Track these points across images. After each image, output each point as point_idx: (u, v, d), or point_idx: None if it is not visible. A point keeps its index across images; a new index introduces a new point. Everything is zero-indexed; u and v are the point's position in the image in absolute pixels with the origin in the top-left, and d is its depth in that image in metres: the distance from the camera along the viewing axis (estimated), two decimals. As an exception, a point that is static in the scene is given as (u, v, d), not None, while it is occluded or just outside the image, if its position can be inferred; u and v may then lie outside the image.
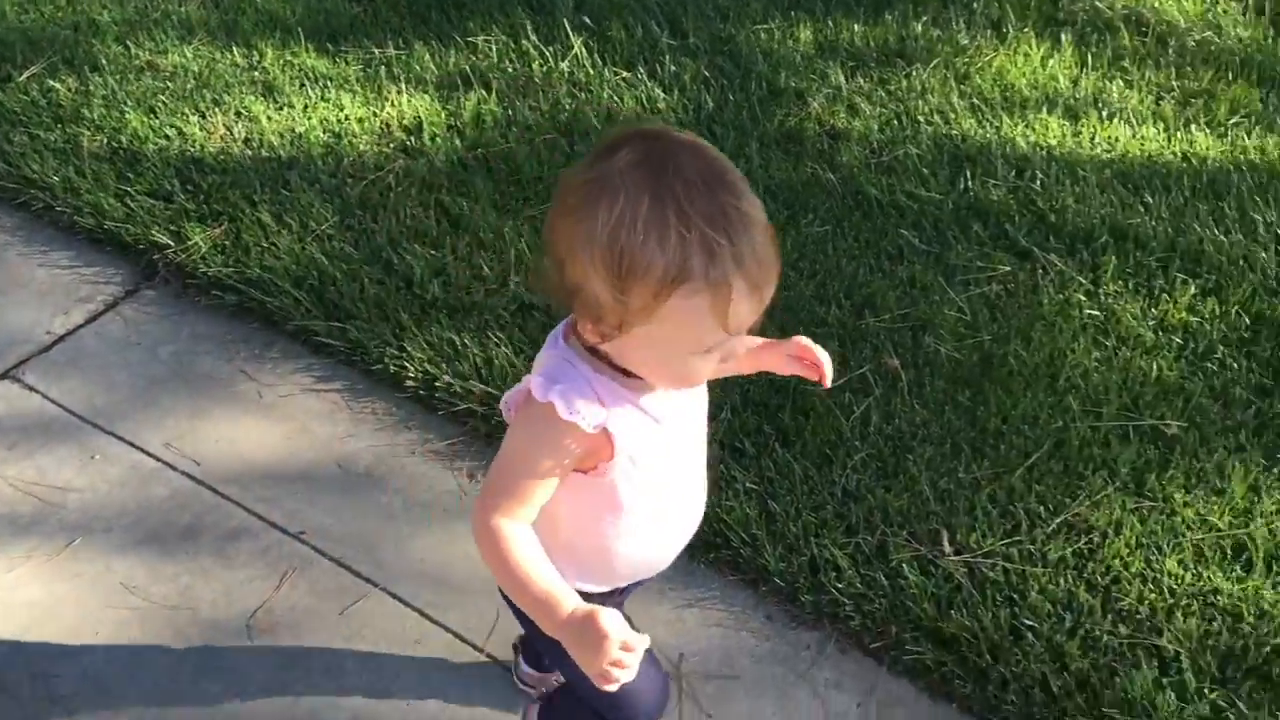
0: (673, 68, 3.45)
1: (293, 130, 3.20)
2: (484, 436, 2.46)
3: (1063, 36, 3.66)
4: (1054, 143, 3.23)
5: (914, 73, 3.48)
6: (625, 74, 3.44)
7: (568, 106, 3.31)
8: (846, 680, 2.07)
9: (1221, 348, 2.62)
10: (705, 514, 2.23)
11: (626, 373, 1.34)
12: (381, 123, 3.25)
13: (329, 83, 3.39)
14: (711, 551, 2.24)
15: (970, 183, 3.08)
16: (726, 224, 1.19)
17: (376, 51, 3.53)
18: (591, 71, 3.45)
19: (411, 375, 2.54)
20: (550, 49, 3.53)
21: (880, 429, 2.44)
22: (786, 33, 3.66)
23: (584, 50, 3.52)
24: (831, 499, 2.31)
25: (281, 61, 3.49)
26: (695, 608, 2.18)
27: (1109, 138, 3.26)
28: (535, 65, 3.47)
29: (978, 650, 2.04)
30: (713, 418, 2.43)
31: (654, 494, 1.45)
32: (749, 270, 1.21)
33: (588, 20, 3.64)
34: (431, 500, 2.34)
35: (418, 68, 3.46)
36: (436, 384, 2.51)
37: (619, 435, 1.33)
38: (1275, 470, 2.35)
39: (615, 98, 3.34)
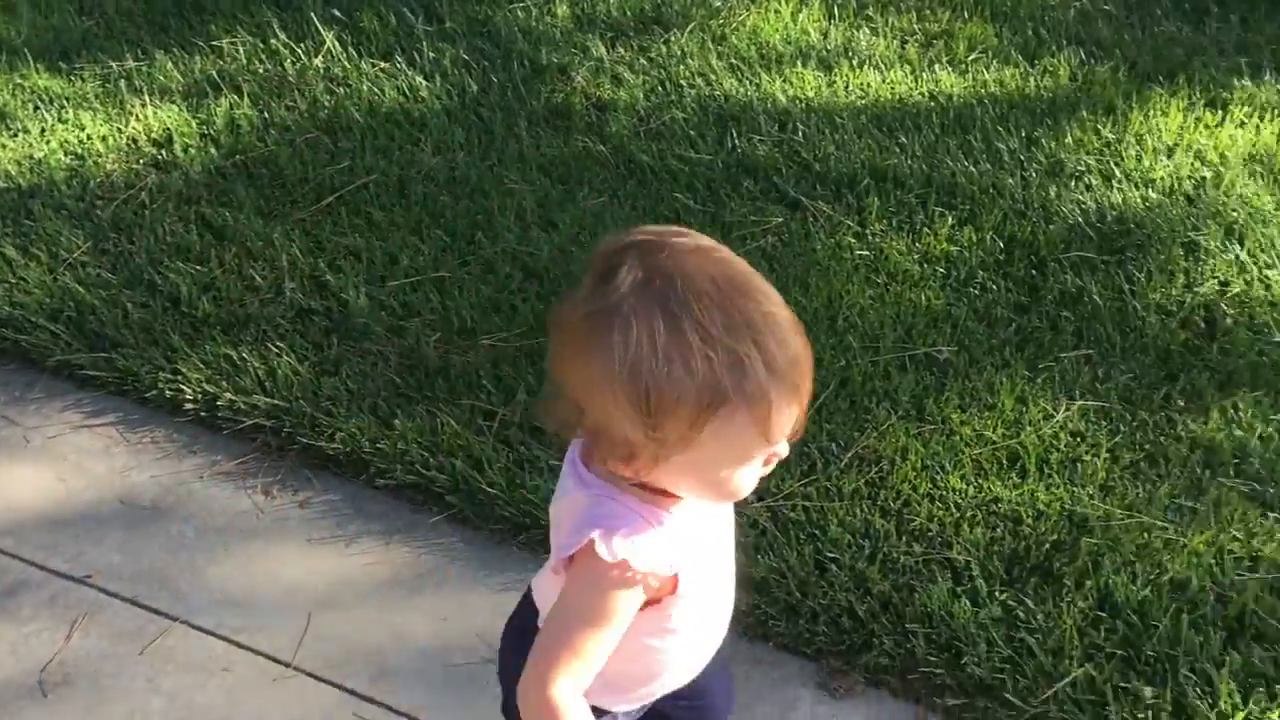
0: (431, 54, 3.41)
1: (30, 157, 3.01)
2: (275, 451, 2.38)
3: (809, -9, 3.79)
4: (811, 94, 3.34)
5: (672, 38, 3.54)
6: (383, 64, 3.37)
7: (327, 103, 3.22)
8: (667, 638, 2.10)
9: (981, 272, 2.78)
10: (513, 496, 2.27)
11: (663, 491, 1.23)
12: (128, 139, 3.09)
13: (65, 103, 3.20)
14: (522, 533, 2.24)
15: (737, 141, 3.15)
16: (752, 332, 1.09)
17: (114, 65, 3.35)
18: (348, 65, 3.36)
19: (190, 397, 2.43)
20: (301, 45, 3.42)
21: (674, 389, 2.48)
22: (544, 9, 3.66)
23: (337, 44, 3.43)
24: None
25: (10, 85, 3.26)
26: (513, 590, 2.16)
27: (861, 85, 3.39)
28: (287, 64, 3.36)
29: (787, 589, 2.11)
30: (506, 401, 2.44)
31: (700, 611, 1.35)
32: (784, 375, 1.11)
33: (337, 13, 3.55)
34: (226, 524, 2.26)
35: (161, 78, 3.30)
36: (218, 403, 2.41)
37: (684, 571, 1.24)
38: (1038, 381, 2.50)
39: (376, 90, 3.27)
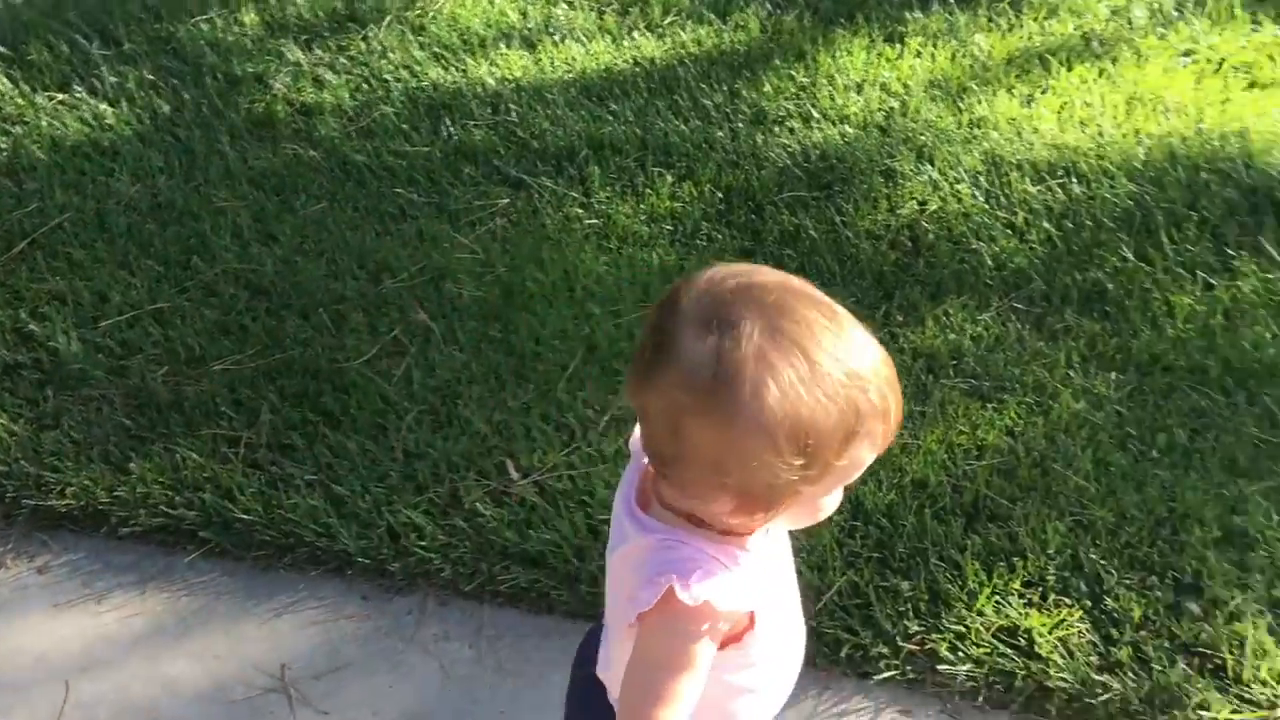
0: (113, 79, 3.22)
1: None
2: (1, 519, 2.21)
3: (502, -27, 3.80)
4: (519, 74, 3.36)
5: (370, 34, 3.48)
6: (61, 96, 3.16)
7: (3, 145, 2.99)
8: (453, 629, 2.09)
9: (705, 224, 2.87)
10: (272, 519, 2.19)
11: (732, 529, 1.21)
12: None
13: None
14: (287, 554, 2.18)
15: (452, 129, 3.14)
16: (855, 345, 1.08)
17: None
18: (21, 102, 3.13)
19: (-108, 479, 2.22)
20: (-35, 87, 3.17)
21: (425, 384, 2.46)
22: (230, 20, 3.52)
23: (6, 81, 3.19)
24: (394, 465, 2.30)
25: None
26: (286, 614, 2.11)
27: (566, 59, 3.44)
28: (-49, 108, 3.11)
29: (564, 557, 2.13)
30: (250, 424, 2.35)
31: (779, 640, 1.32)
32: (889, 377, 1.11)
33: (1, 49, 3.29)
34: (-44, 606, 2.08)
35: None
36: (-74, 480, 2.22)
37: (760, 605, 1.22)
38: (772, 317, 2.62)
39: (57, 124, 3.06)
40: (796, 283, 1.12)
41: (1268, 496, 2.11)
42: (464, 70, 3.36)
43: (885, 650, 1.97)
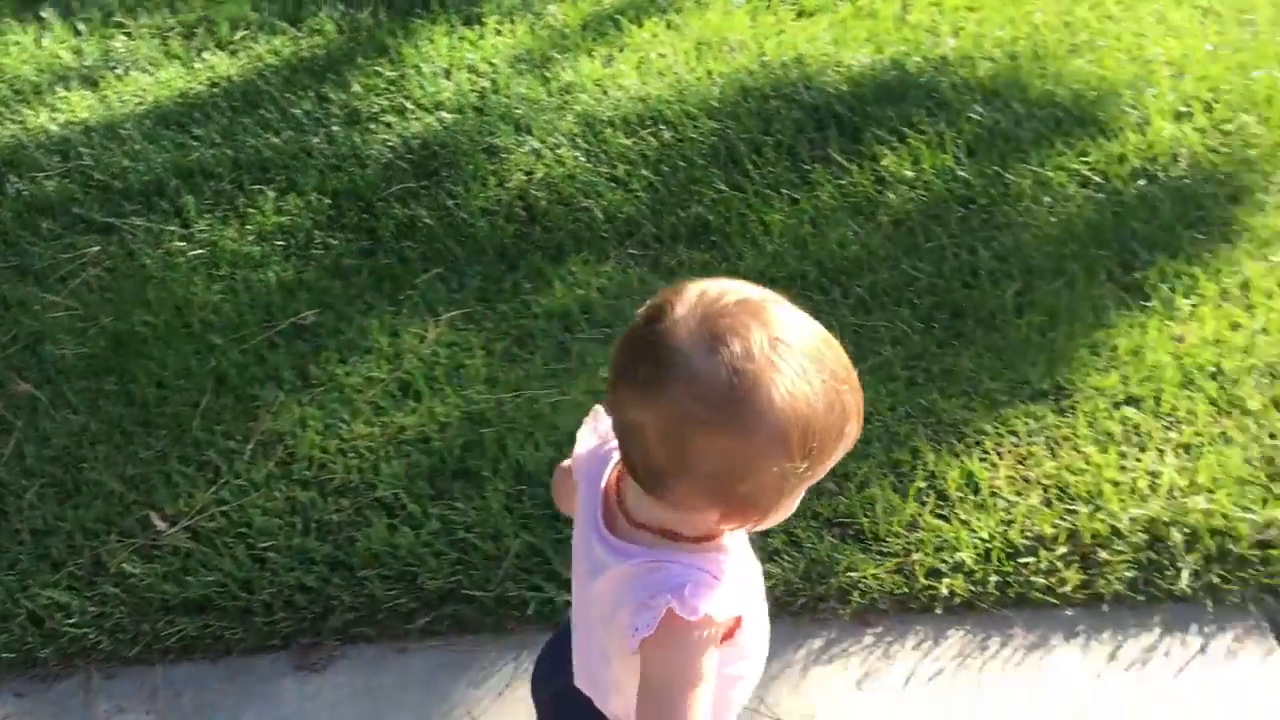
0: None
1: None
2: None
3: (44, 13, 3.52)
4: (85, 115, 3.14)
5: (-100, 98, 3.13)
6: None
7: None
8: (127, 699, 1.95)
9: (317, 232, 2.80)
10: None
11: (706, 535, 1.21)
12: None
13: None
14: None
15: (19, 184, 2.89)
16: (833, 349, 1.10)
17: None
18: None
19: None
20: None
21: (40, 455, 2.27)
22: None
23: None
24: (22, 547, 2.11)
25: None
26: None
27: (135, 91, 3.24)
28: None
29: (232, 595, 2.03)
30: None
31: (759, 627, 1.33)
32: (856, 380, 1.12)
33: None
34: None
35: None
36: None
37: (747, 611, 1.24)
38: (404, 311, 2.60)
39: None
40: (773, 295, 1.14)
41: (873, 374, 2.33)
42: (21, 121, 3.10)
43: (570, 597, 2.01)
